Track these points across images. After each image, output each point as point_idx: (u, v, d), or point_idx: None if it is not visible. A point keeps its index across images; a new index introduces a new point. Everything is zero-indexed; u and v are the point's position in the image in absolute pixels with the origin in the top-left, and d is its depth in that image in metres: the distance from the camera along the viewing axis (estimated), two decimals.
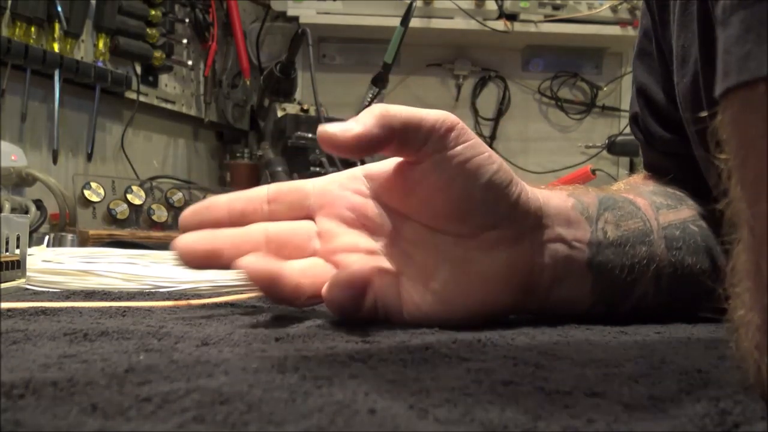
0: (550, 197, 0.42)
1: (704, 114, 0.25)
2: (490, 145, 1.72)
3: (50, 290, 0.49)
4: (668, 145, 0.52)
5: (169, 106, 1.50)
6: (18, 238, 0.50)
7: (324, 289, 0.38)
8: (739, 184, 0.23)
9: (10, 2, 1.07)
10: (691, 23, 0.43)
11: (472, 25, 1.57)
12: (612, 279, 0.43)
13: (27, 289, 0.49)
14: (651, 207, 0.46)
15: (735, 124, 0.23)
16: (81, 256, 0.56)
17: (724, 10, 0.23)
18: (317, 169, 1.34)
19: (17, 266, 0.49)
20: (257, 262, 0.38)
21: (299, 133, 1.39)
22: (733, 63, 0.22)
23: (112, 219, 1.13)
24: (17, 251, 0.50)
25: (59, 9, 1.14)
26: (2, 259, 0.47)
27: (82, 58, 1.22)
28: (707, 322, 0.45)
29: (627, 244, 0.43)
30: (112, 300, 0.45)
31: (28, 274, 0.50)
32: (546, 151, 1.73)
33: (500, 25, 1.58)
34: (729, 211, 0.24)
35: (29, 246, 0.53)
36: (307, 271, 0.40)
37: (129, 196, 1.23)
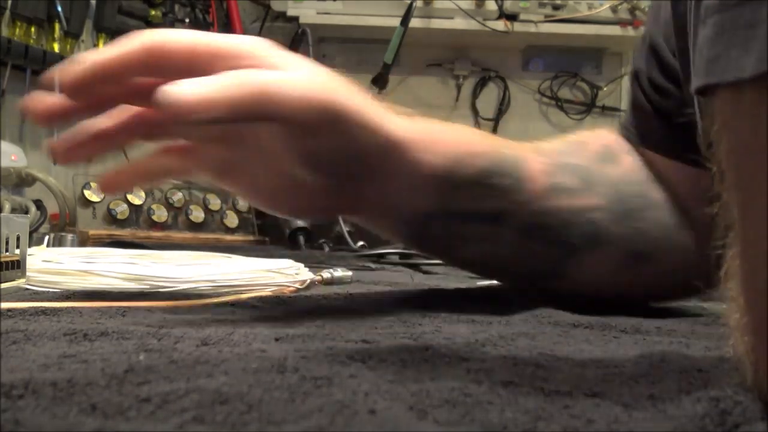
0: (420, 155, 0.42)
1: (689, 111, 0.25)
2: None
3: (50, 290, 0.49)
4: (672, 102, 0.49)
5: None
6: (18, 238, 0.50)
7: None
8: (730, 187, 0.23)
9: (10, 2, 1.07)
10: None
11: (472, 25, 1.57)
12: (432, 241, 0.46)
13: (27, 289, 0.49)
14: (543, 189, 0.46)
15: (723, 126, 0.23)
16: (81, 256, 0.56)
17: (706, 9, 0.23)
18: None
19: (17, 266, 0.49)
20: None
21: None
22: (702, 63, 0.22)
23: (112, 219, 1.13)
24: (17, 251, 0.49)
25: (59, 9, 1.14)
26: (2, 259, 0.47)
27: None
28: (708, 322, 0.45)
29: (470, 219, 0.45)
30: (112, 300, 0.45)
31: (28, 274, 0.50)
32: None
33: (500, 25, 1.58)
34: (722, 215, 0.24)
35: (29, 246, 0.53)
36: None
37: (129, 196, 1.23)
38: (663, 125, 0.50)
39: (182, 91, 0.33)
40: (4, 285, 0.47)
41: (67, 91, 0.39)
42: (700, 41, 0.23)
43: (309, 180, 0.41)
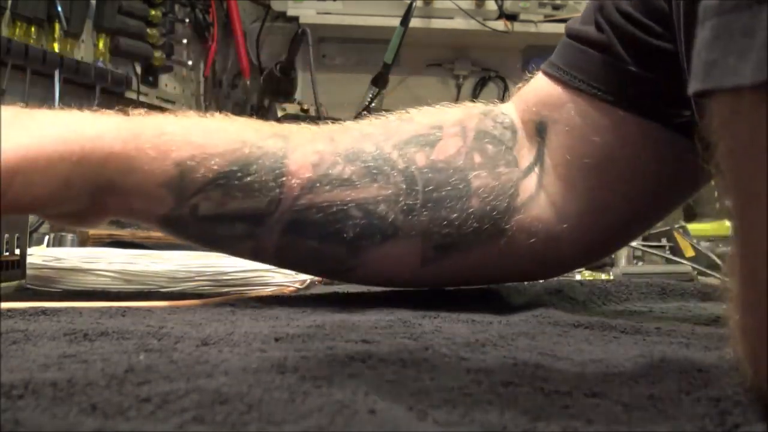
0: (137, 164, 0.42)
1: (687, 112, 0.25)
2: None
3: (50, 290, 0.49)
4: (651, 35, 0.44)
5: (169, 106, 1.50)
6: (17, 238, 0.49)
7: None
8: (730, 190, 0.23)
9: (10, 2, 1.07)
10: None
11: (472, 25, 1.57)
12: (193, 241, 0.46)
13: (27, 288, 0.49)
14: (305, 184, 0.44)
15: (721, 130, 0.23)
16: (81, 256, 0.56)
17: (704, 10, 0.23)
18: None
19: (17, 266, 0.49)
20: None
21: None
22: (700, 67, 0.22)
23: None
24: (17, 251, 0.49)
25: (59, 9, 1.14)
26: (2, 259, 0.47)
27: (82, 58, 1.22)
28: (708, 322, 0.45)
29: (221, 221, 0.44)
30: (112, 300, 0.45)
31: (28, 273, 0.50)
32: None
33: (500, 25, 1.58)
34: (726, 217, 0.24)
35: (29, 246, 0.53)
36: None
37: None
38: (631, 69, 0.45)
39: None
40: (3, 285, 0.47)
41: None
42: (698, 43, 0.23)
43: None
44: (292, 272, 0.57)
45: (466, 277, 0.50)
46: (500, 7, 1.57)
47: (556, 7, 1.59)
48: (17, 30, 1.08)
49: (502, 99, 1.73)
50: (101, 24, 1.25)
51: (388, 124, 0.49)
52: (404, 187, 0.46)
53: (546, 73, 0.49)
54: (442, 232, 0.46)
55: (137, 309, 0.42)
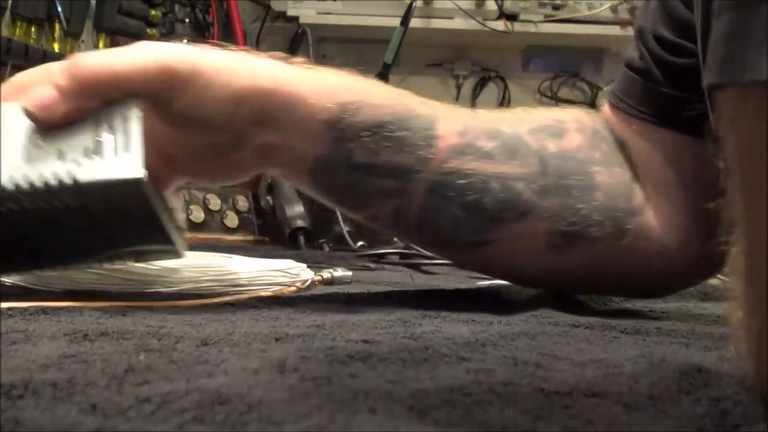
0: (301, 97, 0.43)
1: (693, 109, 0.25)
2: None
3: (50, 290, 0.49)
4: (680, 54, 0.46)
5: None
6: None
7: None
8: (736, 186, 0.23)
9: (10, 2, 1.07)
10: None
11: (472, 25, 1.57)
12: (337, 196, 0.47)
13: (30, 288, 0.49)
14: (453, 148, 0.45)
15: (729, 125, 0.23)
16: None
17: (720, 4, 0.23)
18: None
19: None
20: None
21: None
22: (715, 61, 0.22)
23: None
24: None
25: (59, 9, 1.14)
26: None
27: None
28: (708, 322, 0.45)
29: (373, 172, 0.44)
30: (112, 300, 0.45)
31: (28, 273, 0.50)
32: None
33: (500, 25, 1.58)
34: (727, 212, 0.24)
35: None
36: None
37: None
38: (670, 92, 0.47)
39: (34, 106, 0.39)
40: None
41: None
42: (714, 36, 0.23)
43: (199, 143, 0.43)
44: (293, 273, 0.57)
45: (585, 274, 0.49)
46: (500, 7, 1.57)
47: (556, 7, 1.59)
48: (17, 30, 1.08)
49: (502, 99, 1.74)
50: (101, 24, 1.25)
51: (516, 113, 0.51)
52: (538, 169, 0.47)
53: (608, 101, 0.52)
54: (569, 220, 0.46)
55: (137, 309, 0.42)
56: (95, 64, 0.39)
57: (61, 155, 0.38)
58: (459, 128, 0.46)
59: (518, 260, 0.48)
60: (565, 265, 0.48)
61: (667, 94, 0.47)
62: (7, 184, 0.37)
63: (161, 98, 0.40)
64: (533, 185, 0.46)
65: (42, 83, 0.39)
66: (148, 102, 0.40)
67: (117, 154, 0.38)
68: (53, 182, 0.37)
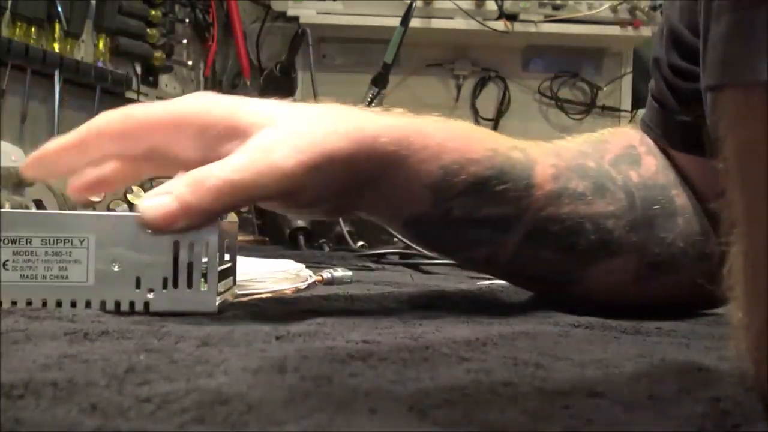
0: (407, 164, 0.42)
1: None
2: None
3: None
4: (691, 80, 0.47)
5: None
6: (226, 244, 0.45)
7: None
8: (736, 186, 0.23)
9: (10, 2, 1.07)
10: None
11: (472, 25, 1.57)
12: (428, 244, 0.47)
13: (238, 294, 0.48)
14: (550, 195, 0.45)
15: (728, 126, 0.23)
16: None
17: (719, 6, 0.23)
18: None
19: (230, 273, 0.46)
20: None
21: None
22: (714, 63, 0.22)
23: None
24: (227, 256, 0.46)
25: (59, 9, 1.14)
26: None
27: (82, 58, 1.22)
28: (708, 322, 0.45)
29: (470, 226, 0.44)
30: None
31: None
32: None
33: (500, 25, 1.58)
34: (727, 212, 0.24)
35: None
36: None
37: (129, 196, 1.23)
38: (685, 119, 0.48)
39: (151, 213, 0.37)
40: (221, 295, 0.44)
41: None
42: (713, 38, 0.23)
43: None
44: (293, 273, 0.57)
45: (670, 299, 0.49)
46: (500, 7, 1.57)
47: (556, 7, 1.59)
48: (17, 30, 1.08)
49: (502, 99, 1.74)
50: (101, 24, 1.25)
51: (592, 143, 0.51)
52: (626, 204, 0.47)
53: (640, 128, 0.53)
54: (655, 251, 0.47)
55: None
56: (224, 178, 0.37)
57: (138, 283, 0.39)
58: (553, 171, 0.46)
59: (606, 294, 0.48)
60: (652, 293, 0.48)
61: (682, 121, 0.48)
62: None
63: (285, 199, 0.41)
64: (622, 221, 0.46)
65: (163, 190, 0.38)
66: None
67: (193, 288, 0.39)
68: (125, 307, 0.39)
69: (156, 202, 0.37)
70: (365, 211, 0.45)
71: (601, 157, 0.49)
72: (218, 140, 0.40)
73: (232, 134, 0.40)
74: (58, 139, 0.42)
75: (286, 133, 0.39)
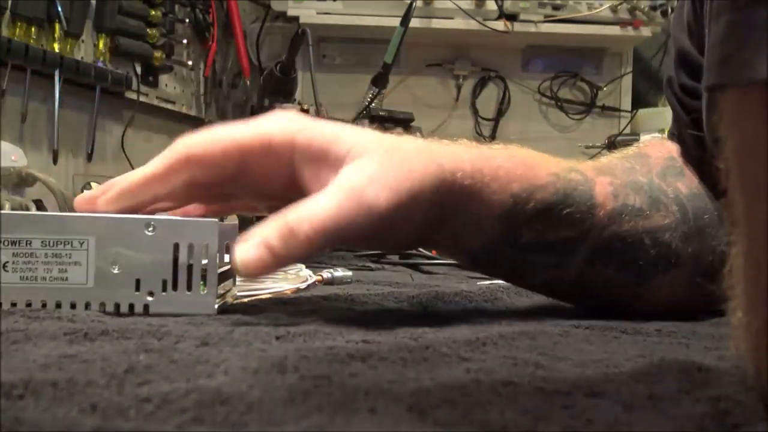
0: (482, 195, 0.42)
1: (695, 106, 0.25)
2: None
3: None
4: (698, 97, 0.49)
5: (169, 106, 1.50)
6: (226, 246, 0.45)
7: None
8: (737, 186, 0.23)
9: (10, 2, 1.07)
10: None
11: (472, 25, 1.57)
12: (497, 270, 0.47)
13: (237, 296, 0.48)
14: (611, 214, 0.45)
15: (729, 125, 0.23)
16: None
17: (718, 6, 0.23)
18: None
19: (230, 275, 0.46)
20: None
21: None
22: (713, 62, 0.22)
23: None
24: (227, 258, 0.45)
25: (59, 9, 1.14)
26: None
27: (82, 58, 1.22)
28: (708, 323, 0.45)
29: (537, 250, 0.44)
30: None
31: None
32: (546, 151, 1.70)
33: (500, 25, 1.58)
34: (728, 212, 0.24)
35: None
36: None
37: None
38: (697, 134, 0.49)
39: (244, 263, 0.37)
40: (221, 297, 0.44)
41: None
42: (712, 38, 0.23)
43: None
44: (293, 273, 0.57)
45: (721, 302, 0.50)
46: (500, 7, 1.57)
47: (556, 7, 1.59)
48: (17, 30, 1.08)
49: (502, 99, 1.74)
50: (101, 24, 1.25)
51: (634, 158, 0.51)
52: (679, 216, 0.47)
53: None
54: (708, 259, 0.47)
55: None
56: (316, 228, 0.36)
57: (138, 285, 0.39)
58: (611, 189, 0.46)
59: (666, 306, 0.48)
60: (705, 299, 0.49)
61: (694, 135, 0.49)
62: None
63: (372, 238, 0.41)
64: (677, 233, 0.47)
65: (257, 238, 0.37)
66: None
67: (193, 290, 0.39)
68: (124, 309, 0.39)
69: (250, 254, 0.36)
70: (439, 242, 0.45)
71: (648, 171, 0.49)
72: (309, 164, 0.39)
73: (323, 161, 0.39)
74: (140, 170, 0.41)
75: (377, 169, 0.38)
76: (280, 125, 0.40)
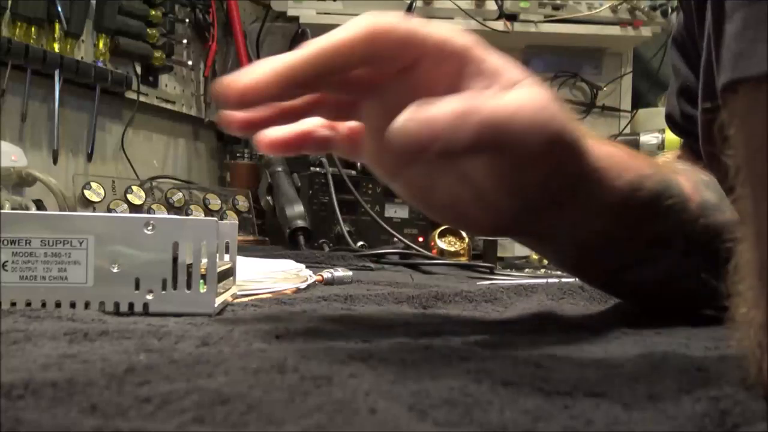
0: (606, 181, 0.40)
1: (707, 105, 0.25)
2: None
3: None
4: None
5: (169, 106, 1.50)
6: (227, 245, 0.47)
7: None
8: (745, 182, 0.23)
9: (10, 2, 1.07)
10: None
11: (472, 25, 1.57)
12: (603, 261, 0.44)
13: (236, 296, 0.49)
14: (699, 205, 0.45)
15: (740, 121, 0.23)
16: None
17: (731, 5, 0.23)
18: (317, 169, 1.34)
19: (230, 274, 0.47)
20: None
21: None
22: (729, 59, 0.22)
23: None
24: (227, 257, 0.47)
25: (59, 9, 1.14)
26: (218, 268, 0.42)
27: (82, 58, 1.22)
28: (707, 321, 0.45)
29: (643, 243, 0.44)
30: None
31: None
32: None
33: (500, 25, 1.58)
34: (735, 208, 0.24)
35: None
36: None
37: (129, 196, 1.23)
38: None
39: (409, 128, 0.31)
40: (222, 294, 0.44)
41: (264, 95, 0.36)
42: (727, 37, 0.23)
43: (502, 202, 0.38)
44: (293, 273, 0.57)
45: None
46: (500, 7, 1.57)
47: (556, 7, 1.59)
48: (17, 30, 1.08)
49: None
50: (101, 24, 1.25)
51: (672, 162, 0.52)
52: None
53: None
54: None
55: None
56: (493, 112, 0.33)
57: (137, 284, 0.39)
58: (690, 184, 0.46)
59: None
60: None
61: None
62: None
63: (532, 160, 0.36)
64: None
65: (429, 110, 0.32)
66: (516, 157, 0.35)
67: (192, 289, 0.39)
68: (124, 308, 0.39)
69: (420, 116, 0.31)
70: (543, 228, 0.41)
71: (702, 171, 0.49)
72: (478, 79, 0.35)
73: (496, 78, 0.35)
74: (315, 42, 0.35)
75: (550, 98, 0.35)
76: (458, 32, 0.37)
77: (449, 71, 0.36)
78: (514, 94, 0.34)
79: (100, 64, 1.24)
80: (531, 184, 0.37)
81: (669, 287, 0.47)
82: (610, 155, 0.41)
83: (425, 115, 0.31)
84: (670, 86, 0.55)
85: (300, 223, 1.26)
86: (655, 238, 0.44)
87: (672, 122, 0.54)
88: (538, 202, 0.39)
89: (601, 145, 0.41)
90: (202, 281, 0.40)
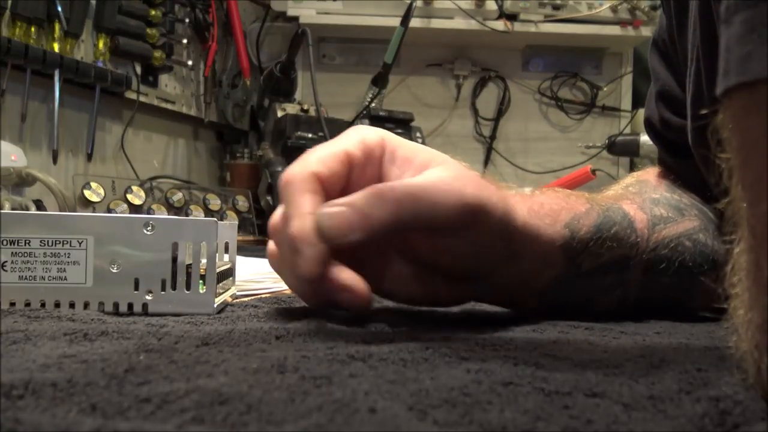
0: (541, 231, 0.43)
1: (704, 111, 0.25)
2: (490, 146, 1.73)
3: None
4: (683, 135, 0.51)
5: (169, 106, 1.50)
6: (227, 245, 0.47)
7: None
8: (739, 184, 0.23)
9: (10, 2, 1.07)
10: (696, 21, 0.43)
11: (472, 25, 1.57)
12: (566, 302, 0.46)
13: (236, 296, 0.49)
14: (648, 225, 0.47)
15: (736, 123, 0.23)
16: None
17: (728, 8, 0.23)
18: None
19: (230, 274, 0.47)
20: None
21: (299, 133, 1.39)
22: (733, 63, 0.22)
23: None
24: (226, 257, 0.47)
25: (59, 9, 1.14)
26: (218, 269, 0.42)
27: (82, 58, 1.22)
28: (707, 322, 0.45)
29: (597, 274, 0.46)
30: None
31: None
32: (546, 151, 1.73)
33: (500, 25, 1.58)
34: (729, 210, 0.24)
35: None
36: None
37: (129, 196, 1.23)
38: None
39: (327, 222, 0.35)
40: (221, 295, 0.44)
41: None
42: (725, 43, 0.23)
43: (456, 271, 0.42)
44: None
45: None
46: (500, 7, 1.57)
47: (556, 7, 1.59)
48: (17, 30, 1.08)
49: (502, 99, 1.73)
50: (101, 24, 1.25)
51: (638, 185, 0.53)
52: (703, 217, 0.50)
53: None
54: None
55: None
56: (404, 191, 0.37)
57: (137, 285, 0.39)
58: (636, 206, 0.49)
59: (710, 302, 0.50)
60: None
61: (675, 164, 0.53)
62: None
63: (454, 230, 0.39)
64: (708, 232, 0.49)
65: (342, 202, 0.36)
66: (439, 230, 0.39)
67: (192, 289, 0.39)
68: (123, 308, 0.39)
69: (334, 210, 0.36)
70: (507, 281, 0.44)
71: (655, 190, 0.52)
72: (394, 166, 0.40)
73: (409, 163, 0.40)
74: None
75: (463, 173, 0.39)
76: (368, 131, 0.41)
77: (376, 160, 0.40)
78: (427, 173, 0.39)
79: (99, 64, 1.24)
80: (465, 253, 0.40)
81: (647, 301, 0.49)
82: (540, 206, 0.44)
83: (338, 209, 0.36)
84: (649, 90, 0.57)
85: None
86: (614, 265, 0.46)
87: (650, 127, 0.56)
88: (480, 268, 0.42)
89: (530, 199, 0.45)
90: (201, 281, 0.40)
